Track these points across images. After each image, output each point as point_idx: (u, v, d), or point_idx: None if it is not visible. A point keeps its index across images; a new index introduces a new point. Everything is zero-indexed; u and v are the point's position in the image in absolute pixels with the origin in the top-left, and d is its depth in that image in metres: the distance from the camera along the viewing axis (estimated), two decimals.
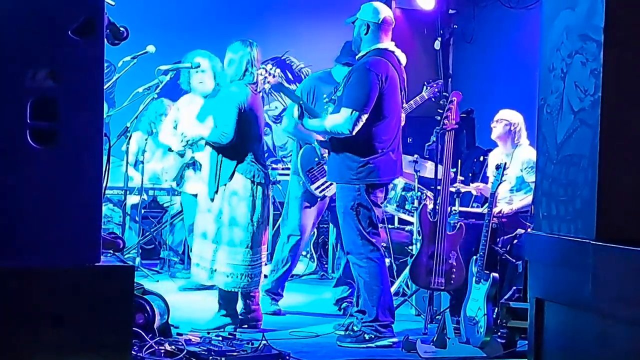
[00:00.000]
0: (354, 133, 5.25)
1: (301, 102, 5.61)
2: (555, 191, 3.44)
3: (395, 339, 5.33)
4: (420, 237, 5.63)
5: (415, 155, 6.82)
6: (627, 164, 3.10)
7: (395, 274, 6.84)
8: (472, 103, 8.99)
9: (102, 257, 3.45)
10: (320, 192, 6.27)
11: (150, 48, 6.18)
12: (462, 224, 5.57)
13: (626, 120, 3.11)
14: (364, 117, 5.24)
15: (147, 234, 8.29)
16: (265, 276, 6.19)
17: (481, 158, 8.15)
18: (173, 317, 5.07)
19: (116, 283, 3.42)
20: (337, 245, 6.88)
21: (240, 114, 5.51)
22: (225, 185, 5.54)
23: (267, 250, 5.83)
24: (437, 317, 5.67)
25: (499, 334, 5.18)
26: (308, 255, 8.25)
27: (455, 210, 6.50)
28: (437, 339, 5.13)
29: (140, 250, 7.94)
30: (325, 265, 8.38)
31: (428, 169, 7.03)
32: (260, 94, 5.76)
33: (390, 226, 6.96)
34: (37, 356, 3.27)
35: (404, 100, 5.56)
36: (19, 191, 3.30)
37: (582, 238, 3.17)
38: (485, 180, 7.08)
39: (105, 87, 3.52)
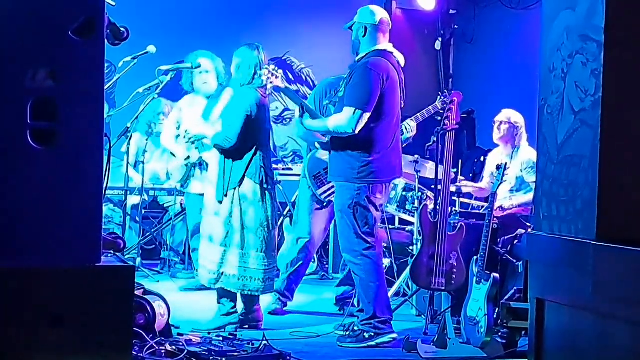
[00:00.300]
0: (357, 132, 5.27)
1: (302, 103, 5.64)
2: (556, 191, 3.44)
3: (394, 335, 5.35)
4: (420, 238, 5.63)
5: (416, 156, 6.82)
6: (628, 164, 3.10)
7: (395, 274, 6.83)
8: (472, 103, 8.98)
9: (102, 257, 3.45)
10: (326, 197, 6.29)
11: (151, 48, 6.18)
12: (463, 224, 5.57)
13: (626, 121, 3.11)
14: (366, 116, 5.26)
15: (148, 234, 8.28)
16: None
17: (482, 158, 8.14)
18: (174, 318, 5.07)
19: (117, 283, 3.42)
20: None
21: (249, 119, 5.55)
22: (234, 189, 5.55)
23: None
24: (437, 317, 5.66)
25: (500, 334, 5.18)
26: None
27: (455, 211, 6.50)
28: (438, 339, 5.13)
29: (140, 251, 7.94)
30: (326, 266, 8.39)
31: (428, 169, 7.03)
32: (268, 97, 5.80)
33: (390, 226, 6.96)
34: (37, 356, 3.27)
35: (403, 102, 5.57)
36: (19, 191, 3.30)
37: (582, 238, 3.17)
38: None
39: (105, 88, 3.51)
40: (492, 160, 6.84)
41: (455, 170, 6.87)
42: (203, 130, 5.90)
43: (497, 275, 5.30)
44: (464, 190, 6.96)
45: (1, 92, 3.28)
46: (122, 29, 3.88)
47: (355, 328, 5.48)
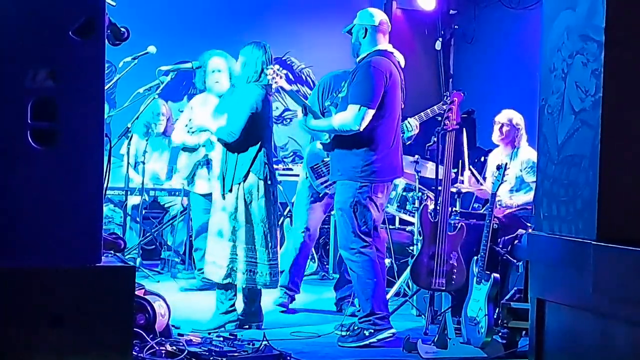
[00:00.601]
0: (361, 129, 5.30)
1: (305, 104, 5.68)
2: (556, 191, 3.44)
3: (393, 330, 5.36)
4: (421, 238, 5.63)
5: (416, 156, 6.82)
6: (628, 164, 3.10)
7: (396, 274, 6.84)
8: (472, 103, 8.96)
9: (103, 257, 3.45)
10: (323, 189, 6.40)
11: (151, 49, 6.18)
12: (463, 224, 5.57)
13: (626, 121, 3.11)
14: (371, 112, 5.29)
15: (148, 234, 8.29)
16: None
17: (482, 158, 8.14)
18: (174, 318, 5.07)
19: (117, 283, 3.42)
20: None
21: (254, 116, 5.58)
22: (239, 184, 5.58)
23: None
24: (438, 317, 5.66)
25: (500, 334, 5.18)
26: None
27: (456, 211, 6.50)
28: (438, 339, 5.13)
29: (141, 251, 7.94)
30: (326, 266, 8.38)
31: (429, 170, 7.03)
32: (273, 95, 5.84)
33: (390, 226, 6.96)
34: (37, 356, 3.27)
35: (403, 102, 5.59)
36: (19, 191, 3.30)
37: (582, 238, 3.17)
38: (485, 180, 7.07)
39: (105, 88, 3.51)
40: (492, 160, 6.85)
41: (455, 170, 6.86)
42: (206, 123, 5.91)
43: (497, 275, 5.30)
44: (466, 184, 6.95)
45: (1, 92, 3.28)
46: (122, 29, 3.88)
47: (356, 328, 5.48)
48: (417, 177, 6.81)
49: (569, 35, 3.39)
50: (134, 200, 7.90)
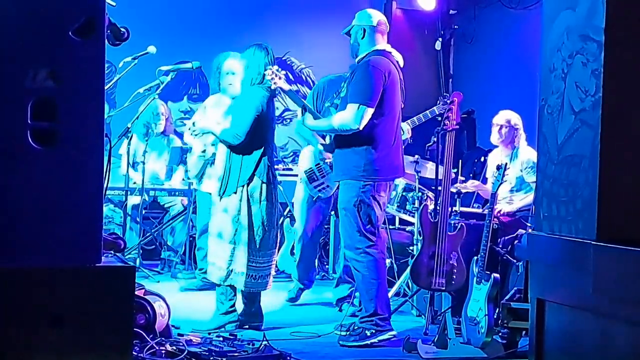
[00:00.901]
0: (361, 128, 5.31)
1: (304, 104, 5.68)
2: (556, 191, 3.44)
3: (394, 332, 5.37)
4: (421, 238, 5.63)
5: (416, 156, 6.83)
6: (627, 164, 3.10)
7: (396, 274, 6.84)
8: (472, 103, 8.96)
9: (103, 257, 3.45)
10: (318, 191, 6.58)
11: (151, 49, 6.17)
12: (463, 224, 5.57)
13: (626, 121, 3.11)
14: (370, 111, 5.30)
15: (148, 234, 8.29)
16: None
17: (482, 159, 8.14)
18: (174, 318, 5.07)
19: (117, 283, 3.42)
20: (339, 245, 7.00)
21: (259, 118, 5.58)
22: (242, 186, 5.57)
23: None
24: (438, 317, 5.66)
25: (500, 334, 5.18)
26: None
27: (456, 211, 6.50)
28: (438, 339, 5.13)
29: (141, 251, 7.94)
30: (326, 266, 8.39)
31: (429, 170, 7.03)
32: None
33: (391, 227, 6.96)
34: (37, 356, 3.27)
35: (403, 102, 5.60)
36: (19, 191, 3.29)
37: (582, 238, 3.17)
38: (484, 181, 7.07)
39: (106, 88, 3.51)
40: (492, 160, 6.85)
41: (455, 170, 6.86)
42: (209, 125, 5.90)
43: (497, 275, 5.30)
44: (470, 188, 6.96)
45: (1, 92, 3.28)
46: (122, 30, 3.88)
47: (356, 328, 5.49)
48: (417, 177, 6.82)
49: (569, 35, 3.39)
50: (134, 200, 7.90)
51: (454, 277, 5.45)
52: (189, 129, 6.10)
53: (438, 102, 6.36)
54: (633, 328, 2.83)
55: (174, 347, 4.58)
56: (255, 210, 5.60)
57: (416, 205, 6.67)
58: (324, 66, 6.84)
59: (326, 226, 8.11)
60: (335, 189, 6.50)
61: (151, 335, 4.60)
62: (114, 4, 3.98)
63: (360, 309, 5.49)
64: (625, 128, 3.11)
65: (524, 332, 4.93)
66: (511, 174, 6.34)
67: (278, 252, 7.75)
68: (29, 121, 3.30)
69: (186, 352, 4.54)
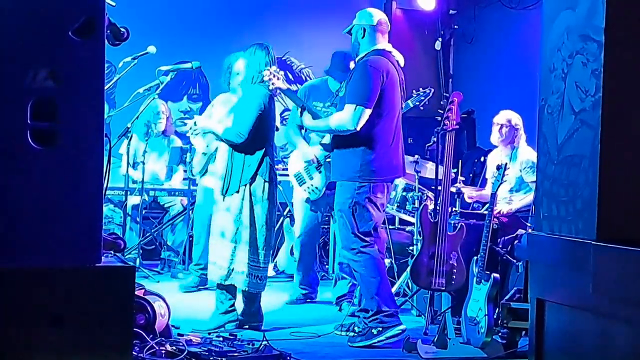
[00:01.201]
0: (358, 129, 5.30)
1: (304, 104, 5.69)
2: (556, 191, 3.44)
3: (403, 326, 5.35)
4: (420, 238, 5.63)
5: (416, 156, 6.83)
6: (627, 164, 3.10)
7: (396, 274, 6.84)
8: (472, 103, 8.98)
9: (103, 257, 3.45)
10: (308, 194, 6.71)
11: (151, 49, 6.17)
12: (463, 224, 5.57)
13: (626, 121, 3.11)
14: (368, 112, 5.29)
15: (148, 234, 8.29)
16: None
17: (482, 159, 8.14)
18: (174, 318, 5.07)
19: (117, 284, 3.42)
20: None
21: (261, 117, 5.58)
22: (245, 185, 5.58)
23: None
24: (438, 317, 5.66)
25: (500, 334, 5.18)
26: None
27: (456, 211, 6.50)
28: (438, 339, 5.13)
29: (141, 251, 7.94)
30: (326, 266, 8.39)
31: (429, 170, 7.04)
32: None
33: (390, 227, 6.96)
34: (37, 356, 3.27)
35: (404, 101, 5.60)
36: (19, 191, 3.29)
37: (582, 238, 3.17)
38: (484, 181, 7.07)
39: (105, 88, 3.51)
40: (492, 160, 6.84)
41: (455, 170, 6.86)
42: (210, 124, 5.89)
43: (497, 275, 5.30)
44: (467, 195, 6.96)
45: (1, 92, 3.28)
46: (122, 30, 3.88)
47: (357, 329, 5.49)
48: (416, 177, 6.82)
49: (569, 35, 3.39)
50: (133, 200, 7.90)
51: (454, 277, 5.45)
52: (190, 128, 6.10)
53: (413, 93, 6.38)
54: (633, 328, 2.83)
55: (174, 347, 4.58)
56: (257, 210, 5.60)
57: (416, 205, 6.67)
58: (323, 66, 6.82)
59: (326, 226, 8.13)
60: (324, 190, 6.57)
61: (151, 335, 4.60)
62: (113, 4, 3.98)
63: (364, 309, 5.46)
64: (625, 128, 3.10)
65: (523, 332, 4.92)
66: (511, 174, 6.33)
67: (278, 252, 7.79)
68: (28, 121, 3.30)
69: (186, 352, 4.53)
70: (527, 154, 6.66)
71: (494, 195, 5.59)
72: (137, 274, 3.76)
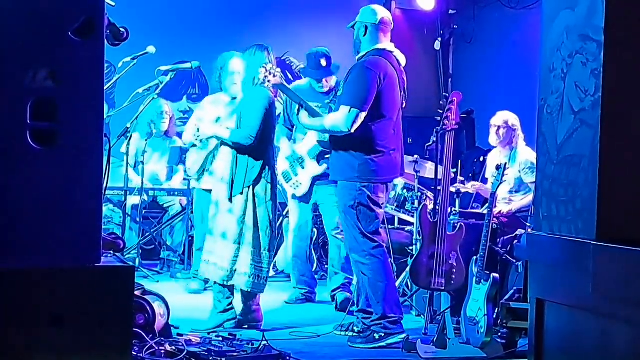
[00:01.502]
0: (352, 131, 5.27)
1: (301, 102, 5.65)
2: (556, 191, 3.44)
3: (404, 335, 5.33)
4: (420, 238, 5.63)
5: (416, 156, 6.82)
6: (627, 164, 3.10)
7: (395, 274, 6.83)
8: (472, 103, 8.95)
9: (102, 257, 3.45)
10: (294, 190, 6.86)
11: (151, 49, 6.18)
12: (463, 224, 5.57)
13: (626, 121, 3.11)
14: (363, 115, 5.26)
15: (147, 234, 8.29)
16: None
17: (481, 158, 8.14)
18: (173, 318, 5.07)
19: (116, 283, 3.42)
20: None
21: (265, 118, 5.58)
22: (249, 187, 5.58)
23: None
24: (437, 317, 5.66)
25: (500, 334, 5.18)
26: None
27: (455, 211, 6.50)
28: (438, 339, 5.13)
29: (140, 251, 7.94)
30: (326, 266, 8.38)
31: (428, 170, 7.04)
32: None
33: (390, 226, 6.96)
34: (37, 356, 3.27)
35: (404, 101, 5.58)
36: (19, 191, 3.30)
37: (582, 238, 3.17)
38: (484, 181, 7.08)
39: (105, 88, 3.51)
40: (492, 160, 6.85)
41: (454, 170, 6.86)
42: (215, 130, 5.85)
43: (496, 275, 5.30)
44: (471, 190, 6.96)
45: (1, 92, 3.28)
46: (121, 30, 3.88)
47: (356, 328, 5.49)
48: (416, 177, 6.81)
49: (568, 35, 3.39)
50: (133, 200, 7.90)
51: (453, 277, 5.45)
52: (193, 135, 6.09)
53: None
54: (633, 328, 2.83)
55: (174, 347, 4.58)
56: (261, 211, 5.60)
57: (415, 205, 6.67)
58: None
59: (321, 225, 8.14)
60: (309, 186, 6.68)
61: (150, 335, 4.60)
62: (113, 4, 3.98)
63: (363, 309, 5.45)
64: (625, 128, 3.11)
65: (523, 332, 4.93)
66: (510, 175, 6.34)
67: (277, 252, 7.80)
68: (28, 121, 3.30)
69: (185, 352, 4.53)
70: (526, 154, 6.66)
71: (493, 195, 5.59)
72: (136, 274, 3.75)
